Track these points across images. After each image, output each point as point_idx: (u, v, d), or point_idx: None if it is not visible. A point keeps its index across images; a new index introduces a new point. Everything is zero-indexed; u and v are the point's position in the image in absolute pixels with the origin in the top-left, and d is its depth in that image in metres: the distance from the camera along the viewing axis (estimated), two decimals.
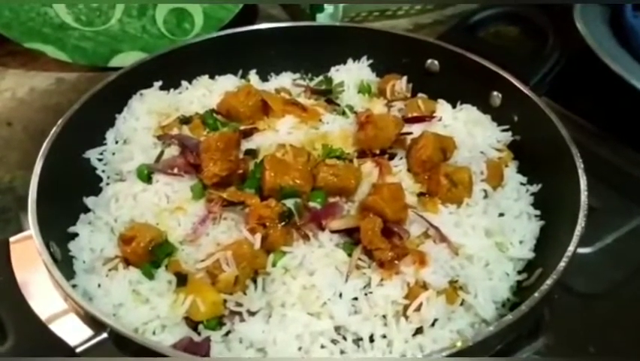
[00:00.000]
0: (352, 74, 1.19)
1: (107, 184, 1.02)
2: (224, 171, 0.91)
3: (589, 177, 0.93)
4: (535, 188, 1.01)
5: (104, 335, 0.74)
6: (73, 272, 0.88)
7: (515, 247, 0.92)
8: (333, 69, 1.21)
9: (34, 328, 0.74)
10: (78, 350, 0.73)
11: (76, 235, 0.93)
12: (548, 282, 0.78)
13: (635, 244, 1.08)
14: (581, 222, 0.85)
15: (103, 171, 1.04)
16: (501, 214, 0.96)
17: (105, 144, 1.07)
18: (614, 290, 1.02)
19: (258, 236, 0.85)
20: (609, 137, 1.26)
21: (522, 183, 1.02)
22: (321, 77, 1.20)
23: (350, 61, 1.22)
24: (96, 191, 1.01)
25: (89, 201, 0.98)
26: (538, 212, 0.97)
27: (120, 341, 0.74)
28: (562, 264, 0.80)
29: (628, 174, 1.21)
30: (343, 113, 1.09)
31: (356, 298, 0.83)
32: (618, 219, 1.12)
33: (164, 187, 0.94)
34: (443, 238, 0.87)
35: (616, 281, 1.03)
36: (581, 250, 1.04)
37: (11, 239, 0.86)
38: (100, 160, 1.05)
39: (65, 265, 0.87)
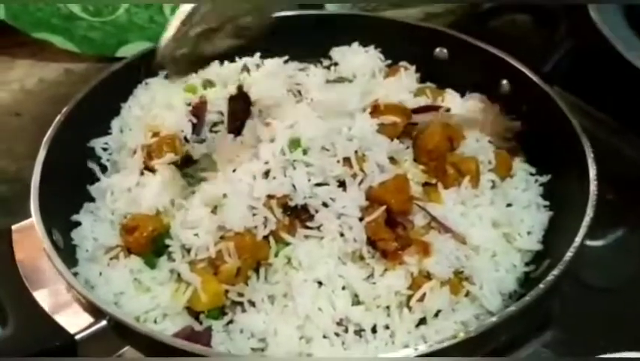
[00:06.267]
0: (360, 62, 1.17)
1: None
2: None
3: (601, 168, 0.91)
4: (544, 178, 0.99)
5: (104, 322, 0.74)
6: (75, 260, 0.88)
7: (523, 238, 0.90)
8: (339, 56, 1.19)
9: (34, 315, 0.75)
10: (77, 337, 0.73)
11: (79, 223, 0.92)
12: (555, 272, 0.76)
13: None
14: (589, 212, 0.83)
15: (107, 160, 1.03)
16: (509, 205, 0.94)
17: (110, 133, 1.06)
18: (625, 284, 1.00)
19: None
20: (623, 128, 1.23)
21: (531, 174, 1.00)
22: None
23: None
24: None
25: (93, 189, 0.98)
26: (547, 203, 0.96)
27: (120, 329, 0.74)
28: (569, 254, 0.79)
29: None
30: None
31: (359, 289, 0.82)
32: (631, 212, 1.10)
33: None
34: (447, 229, 0.86)
35: (628, 275, 1.01)
36: (592, 243, 1.03)
37: (14, 227, 0.86)
38: (105, 150, 1.04)
39: (68, 253, 0.87)
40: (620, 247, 1.05)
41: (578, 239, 0.80)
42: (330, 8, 1.46)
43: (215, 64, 1.07)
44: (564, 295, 0.94)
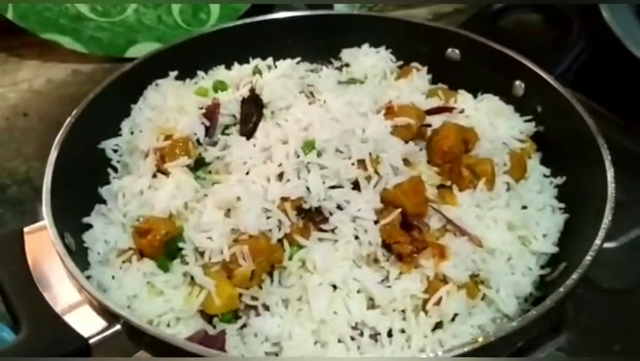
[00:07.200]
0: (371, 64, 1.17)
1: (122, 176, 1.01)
2: None
3: (614, 169, 0.90)
4: (559, 180, 0.98)
5: (118, 326, 0.73)
6: (87, 263, 0.87)
7: (539, 241, 0.90)
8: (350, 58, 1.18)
9: (47, 319, 0.74)
10: (91, 341, 0.72)
11: (90, 226, 0.92)
12: (574, 276, 0.76)
13: None
14: (607, 216, 0.82)
15: (118, 162, 1.02)
16: (524, 207, 0.93)
17: (121, 135, 1.05)
18: (639, 286, 0.99)
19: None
20: (635, 129, 1.23)
21: (546, 176, 0.99)
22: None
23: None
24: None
25: (104, 191, 0.97)
26: (562, 205, 0.95)
27: (134, 333, 0.73)
28: (587, 258, 0.78)
29: None
30: None
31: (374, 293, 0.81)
32: None
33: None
34: (463, 232, 0.85)
35: None
36: (605, 245, 1.02)
37: (26, 229, 0.86)
38: (115, 151, 1.04)
39: (80, 256, 0.86)
40: (634, 249, 1.04)
41: (598, 242, 0.79)
42: (339, 9, 1.46)
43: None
44: (578, 297, 0.93)
